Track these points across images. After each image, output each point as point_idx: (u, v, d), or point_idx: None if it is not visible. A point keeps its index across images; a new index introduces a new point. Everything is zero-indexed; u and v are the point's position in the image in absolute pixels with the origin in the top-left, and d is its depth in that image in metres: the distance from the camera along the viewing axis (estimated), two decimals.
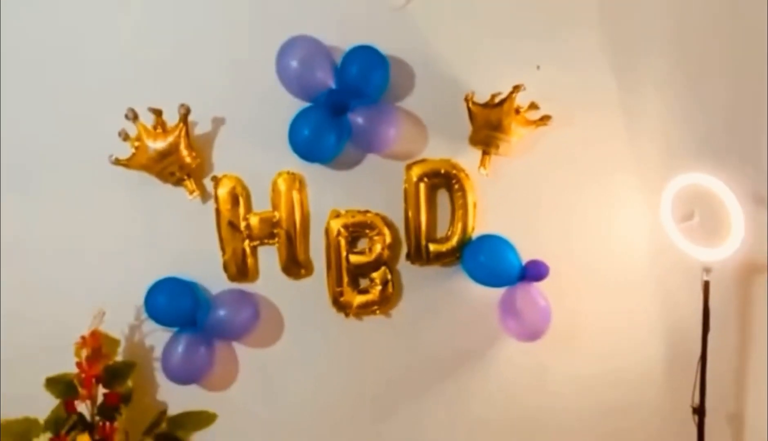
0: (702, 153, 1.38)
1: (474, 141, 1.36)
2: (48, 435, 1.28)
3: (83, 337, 1.30)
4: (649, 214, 1.42)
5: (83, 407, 1.28)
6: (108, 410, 1.29)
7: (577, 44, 1.39)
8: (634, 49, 1.39)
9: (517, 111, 1.33)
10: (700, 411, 1.37)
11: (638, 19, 1.38)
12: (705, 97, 1.39)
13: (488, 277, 1.38)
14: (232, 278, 1.39)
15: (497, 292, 1.40)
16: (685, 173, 1.32)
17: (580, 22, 1.37)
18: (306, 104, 1.31)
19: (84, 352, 1.29)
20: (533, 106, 1.34)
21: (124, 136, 1.27)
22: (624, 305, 1.47)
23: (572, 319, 1.43)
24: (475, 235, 1.39)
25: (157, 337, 1.37)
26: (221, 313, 1.34)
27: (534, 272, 1.36)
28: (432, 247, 1.40)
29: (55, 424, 1.29)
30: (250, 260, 1.38)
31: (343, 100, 1.28)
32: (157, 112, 1.28)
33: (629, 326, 1.48)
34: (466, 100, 1.33)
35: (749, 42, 1.38)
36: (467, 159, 1.38)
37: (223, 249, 1.37)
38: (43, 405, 1.29)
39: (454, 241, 1.39)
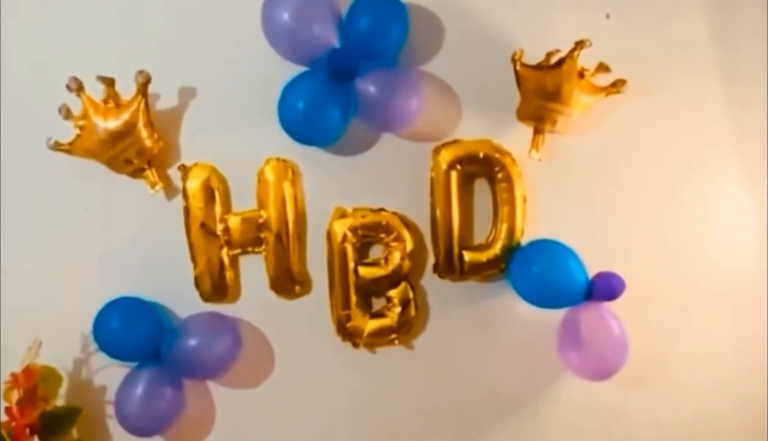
0: None
1: (523, 115, 1.21)
2: None
3: (14, 376, 1.16)
4: (757, 213, 1.29)
5: None
6: None
7: None
8: None
9: (581, 74, 1.18)
10: None
11: None
12: None
13: (544, 295, 1.23)
14: (206, 298, 1.26)
15: (555, 315, 1.25)
16: None
17: None
18: (301, 69, 1.17)
19: (15, 395, 1.16)
20: (602, 67, 1.19)
21: (66, 113, 1.14)
22: (725, 332, 1.31)
23: (654, 351, 1.28)
24: (525, 240, 1.25)
25: (111, 374, 1.24)
26: (192, 343, 1.20)
27: (605, 289, 1.19)
28: (468, 255, 1.25)
29: None
30: (229, 274, 1.25)
31: (350, 62, 1.14)
32: (109, 82, 1.15)
33: (732, 359, 1.32)
34: (513, 59, 1.17)
35: None
36: (514, 139, 1.23)
37: (194, 260, 1.24)
38: None
39: (497, 248, 1.24)
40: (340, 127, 1.19)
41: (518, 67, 1.17)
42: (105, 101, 1.16)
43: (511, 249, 1.24)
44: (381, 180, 1.25)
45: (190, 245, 1.24)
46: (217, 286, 1.25)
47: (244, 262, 1.27)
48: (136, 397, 1.19)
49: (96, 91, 1.15)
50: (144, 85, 1.14)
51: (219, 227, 1.23)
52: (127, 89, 1.16)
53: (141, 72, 1.14)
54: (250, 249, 1.25)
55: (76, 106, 1.14)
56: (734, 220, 1.30)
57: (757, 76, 1.27)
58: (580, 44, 1.15)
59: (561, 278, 1.20)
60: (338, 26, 1.15)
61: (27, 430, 1.16)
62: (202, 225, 1.23)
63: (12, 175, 1.24)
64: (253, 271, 1.26)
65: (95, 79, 1.14)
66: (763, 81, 1.27)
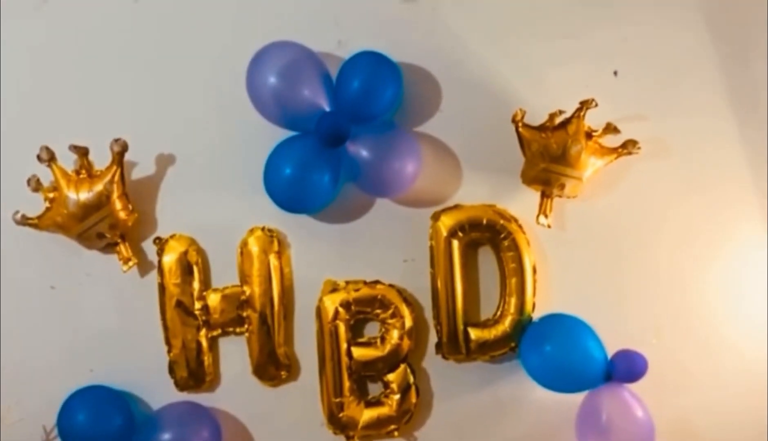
0: None
1: (528, 178, 1.25)
2: None
3: None
4: None
5: None
6: None
7: (668, 38, 1.32)
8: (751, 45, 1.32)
9: (589, 135, 1.23)
10: None
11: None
12: None
13: (559, 378, 1.24)
14: (181, 386, 1.26)
15: (573, 399, 1.25)
16: None
17: (675, 4, 1.31)
18: (289, 133, 1.23)
19: None
20: (611, 128, 1.23)
21: (35, 185, 1.18)
22: (758, 415, 1.31)
23: (681, 436, 1.30)
24: (536, 314, 1.27)
25: None
26: (166, 437, 1.21)
27: (627, 369, 1.21)
28: (474, 333, 1.26)
29: None
30: (207, 358, 1.26)
31: (342, 125, 1.19)
32: (82, 152, 1.19)
33: None
34: (515, 120, 1.22)
35: None
36: (520, 204, 1.27)
37: (168, 343, 1.25)
38: None
39: (506, 324, 1.26)
40: (330, 193, 1.22)
41: (520, 129, 1.21)
42: (77, 172, 1.20)
43: (522, 325, 1.25)
44: (376, 249, 1.28)
45: (165, 327, 1.24)
46: (194, 372, 1.26)
47: (224, 344, 1.28)
48: None
49: (67, 160, 1.19)
50: (120, 153, 1.17)
51: (197, 306, 1.25)
52: (100, 158, 1.20)
53: (117, 140, 1.17)
54: (231, 330, 1.26)
55: (45, 177, 1.18)
56: (762, 293, 1.31)
57: None
58: (585, 104, 1.20)
59: (578, 358, 1.21)
60: (328, 89, 1.20)
61: None
62: (179, 303, 1.25)
63: None
64: (234, 355, 1.27)
65: (68, 148, 1.18)
66: None
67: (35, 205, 1.18)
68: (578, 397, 1.24)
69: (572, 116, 1.21)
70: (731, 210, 1.32)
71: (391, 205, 1.28)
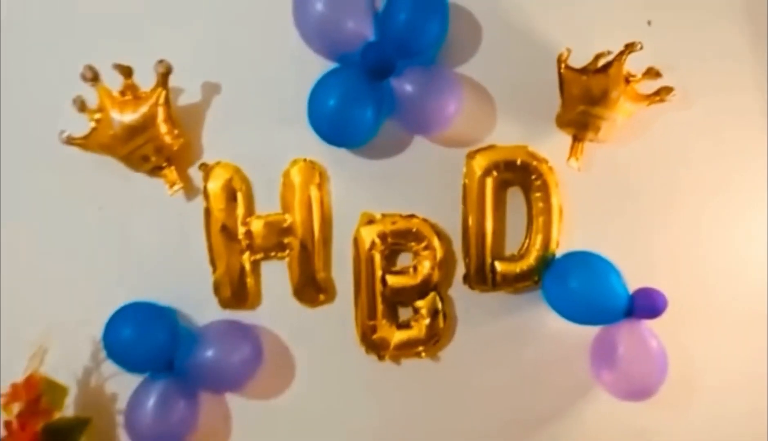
0: None
1: (564, 121, 1.01)
2: None
3: (13, 387, 0.95)
4: None
5: None
6: None
7: None
8: None
9: (628, 80, 0.98)
10: None
11: None
12: None
13: (581, 311, 1.02)
14: (225, 304, 1.06)
15: (589, 333, 1.05)
16: None
17: None
18: (333, 64, 0.98)
19: (16, 407, 0.95)
20: (652, 73, 0.98)
21: (80, 106, 0.93)
22: (761, 358, 1.11)
23: (690, 372, 1.09)
24: (560, 251, 1.06)
25: (122, 383, 1.03)
26: (209, 353, 1.01)
27: (647, 305, 1.00)
28: (500, 266, 1.05)
29: None
30: (250, 280, 1.05)
31: (386, 58, 0.94)
32: (126, 71, 0.94)
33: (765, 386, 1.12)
34: (560, 61, 0.97)
35: None
36: (552, 146, 1.04)
37: (213, 264, 1.04)
38: None
39: (531, 260, 1.05)
40: (372, 128, 0.99)
41: (563, 70, 0.97)
42: (122, 93, 0.95)
43: (546, 261, 1.05)
44: (412, 185, 1.06)
45: (210, 249, 1.04)
46: (237, 292, 1.06)
47: (266, 267, 1.07)
48: (148, 409, 0.99)
49: (113, 81, 0.95)
50: (164, 75, 0.94)
51: (241, 231, 1.03)
52: (146, 81, 0.95)
53: (161, 61, 0.93)
54: (272, 254, 1.05)
55: (91, 97, 0.94)
56: None
57: None
58: (630, 47, 0.95)
59: (601, 294, 1.00)
60: (374, 19, 0.95)
61: None
62: (223, 228, 1.03)
63: (17, 168, 1.03)
64: (276, 278, 1.07)
65: (111, 67, 0.94)
66: None
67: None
68: (594, 330, 1.05)
69: (615, 59, 0.97)
70: (751, 161, 1.10)
71: (429, 143, 1.06)
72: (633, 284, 1.01)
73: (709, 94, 1.05)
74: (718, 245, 1.09)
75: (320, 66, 0.96)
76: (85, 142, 0.95)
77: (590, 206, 1.06)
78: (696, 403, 1.11)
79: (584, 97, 0.96)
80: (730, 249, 1.09)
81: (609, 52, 0.96)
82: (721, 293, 1.10)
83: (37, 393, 0.96)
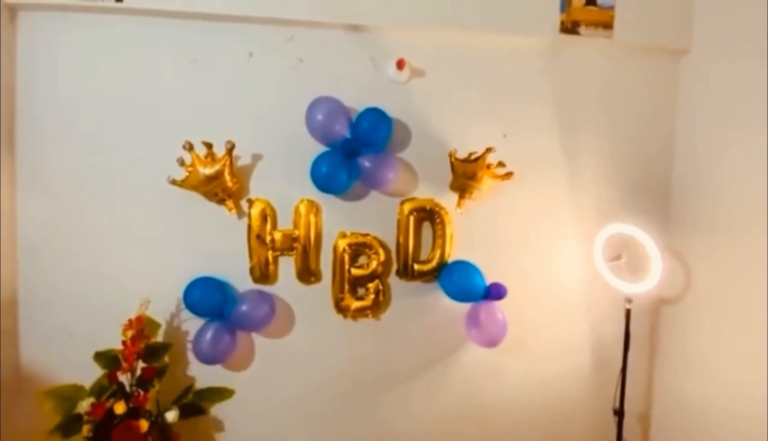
0: (627, 207, 1.36)
1: (453, 187, 1.32)
2: (91, 400, 1.16)
3: (130, 320, 1.19)
4: (584, 253, 1.38)
5: (124, 378, 1.17)
6: (144, 382, 1.18)
7: (533, 120, 1.36)
8: (575, 124, 1.37)
9: (488, 167, 1.30)
10: (620, 413, 1.31)
11: (579, 101, 1.36)
12: (625, 166, 1.37)
13: (459, 294, 1.31)
14: (255, 280, 1.30)
15: (465, 307, 1.33)
16: (615, 223, 1.28)
17: (536, 101, 1.35)
18: (326, 148, 1.26)
19: (129, 333, 1.18)
20: (501, 164, 1.31)
21: (181, 162, 1.20)
22: (563, 325, 1.41)
23: (523, 332, 1.37)
24: (450, 259, 1.33)
25: (191, 324, 1.26)
26: (244, 308, 1.25)
27: (495, 292, 1.29)
28: (416, 266, 1.33)
29: (98, 391, 1.17)
30: (271, 267, 1.30)
31: (356, 147, 1.23)
32: (209, 145, 1.21)
33: (566, 342, 1.42)
34: (450, 155, 1.28)
35: (656, 126, 1.38)
36: (447, 200, 1.33)
37: (250, 257, 1.29)
38: (92, 374, 1.18)
39: (433, 263, 1.33)
40: (346, 185, 1.26)
41: (453, 159, 1.28)
42: (205, 157, 1.21)
43: (442, 265, 1.32)
44: (368, 217, 1.32)
45: (249, 248, 1.28)
46: (263, 274, 1.29)
47: (282, 260, 1.30)
48: (207, 339, 1.22)
49: (201, 149, 1.20)
50: (230, 150, 1.20)
51: (268, 238, 1.27)
52: (220, 150, 1.21)
53: (229, 141, 1.20)
54: (286, 252, 1.29)
55: (187, 158, 1.20)
56: (570, 258, 1.39)
57: (587, 174, 1.36)
58: (488, 150, 1.27)
59: (470, 284, 1.28)
60: (350, 125, 1.23)
61: (135, 356, 1.18)
62: (258, 236, 1.27)
63: (146, 199, 1.24)
64: (287, 267, 1.30)
65: (201, 143, 1.20)
66: (590, 178, 1.36)
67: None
68: (468, 306, 1.31)
69: (481, 156, 1.27)
70: (555, 210, 1.37)
71: (379, 194, 1.32)
72: (489, 279, 1.30)
73: (533, 176, 1.33)
74: (539, 261, 1.37)
75: (318, 148, 1.24)
76: (182, 183, 1.21)
77: (467, 234, 1.33)
78: (527, 352, 1.38)
79: (464, 174, 1.27)
80: (546, 263, 1.37)
81: (475, 153, 1.26)
82: (542, 288, 1.37)
83: (143, 325, 1.20)
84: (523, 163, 1.32)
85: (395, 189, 1.31)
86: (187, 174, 1.20)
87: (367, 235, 1.30)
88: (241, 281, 1.28)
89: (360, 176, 1.25)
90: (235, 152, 1.22)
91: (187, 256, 1.28)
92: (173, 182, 1.20)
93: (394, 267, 1.33)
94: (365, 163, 1.24)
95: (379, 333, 1.35)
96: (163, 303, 1.26)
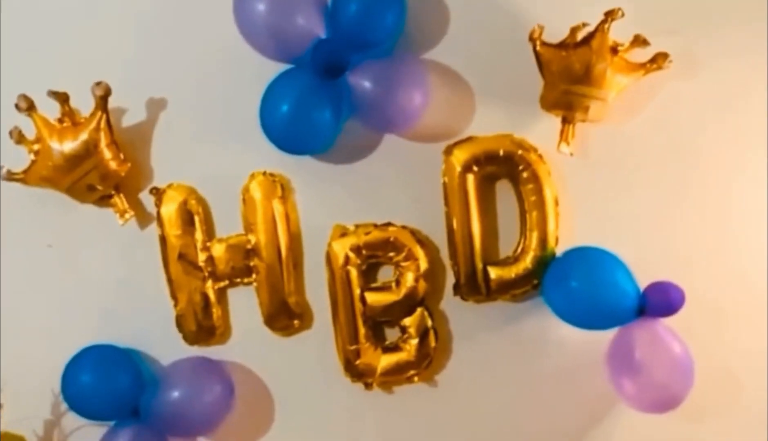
0: None
1: (548, 103, 1.08)
2: None
3: None
4: None
5: None
6: None
7: None
8: None
9: (615, 50, 1.04)
10: None
11: None
12: None
13: (587, 314, 1.09)
14: (190, 340, 1.14)
15: (603, 336, 1.10)
16: None
17: None
18: (284, 66, 1.06)
19: None
20: (639, 40, 1.04)
21: (17, 137, 1.04)
22: None
23: (723, 373, 1.14)
24: (560, 249, 1.12)
25: (87, 435, 1.12)
26: (176, 394, 1.09)
27: (661, 302, 1.05)
28: (494, 272, 1.12)
29: None
30: (216, 310, 1.14)
31: (339, 53, 1.03)
32: (62, 97, 1.04)
33: None
34: (532, 38, 1.04)
35: None
36: (539, 132, 1.10)
37: (174, 296, 1.13)
38: None
39: (527, 261, 1.11)
40: (333, 131, 1.07)
41: (538, 48, 1.03)
42: (60, 120, 1.05)
43: (545, 261, 1.11)
44: (386, 190, 1.14)
45: (169, 280, 1.13)
46: (203, 325, 1.14)
47: (234, 295, 1.16)
48: None
49: (50, 109, 1.04)
50: (103, 98, 1.03)
51: (201, 257, 1.12)
52: (84, 105, 1.05)
53: (99, 83, 1.02)
54: (238, 280, 1.14)
55: (28, 127, 1.04)
56: None
57: None
58: (610, 14, 1.02)
59: (607, 293, 1.07)
60: (324, 14, 1.03)
61: None
62: (182, 256, 1.12)
63: None
64: (245, 306, 1.15)
65: (47, 95, 1.04)
66: None
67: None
68: (608, 334, 1.10)
69: (596, 29, 1.03)
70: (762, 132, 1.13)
71: (400, 140, 1.13)
72: (644, 279, 1.06)
73: (715, 60, 1.09)
74: (741, 231, 1.13)
75: (271, 70, 1.04)
76: (25, 177, 1.04)
77: (589, 196, 1.12)
78: (734, 409, 1.15)
79: (566, 75, 1.03)
80: (751, 229, 1.13)
81: (585, 24, 1.03)
82: (749, 279, 1.13)
83: None
84: (691, 36, 1.08)
85: (430, 125, 1.11)
86: (31, 158, 1.05)
87: (387, 224, 1.12)
88: (165, 346, 1.15)
89: (357, 110, 1.06)
90: (115, 103, 1.06)
91: (58, 312, 1.15)
92: (9, 176, 1.05)
93: (450, 280, 1.14)
94: (362, 81, 1.03)
95: (437, 409, 1.17)
96: (30, 402, 1.13)
